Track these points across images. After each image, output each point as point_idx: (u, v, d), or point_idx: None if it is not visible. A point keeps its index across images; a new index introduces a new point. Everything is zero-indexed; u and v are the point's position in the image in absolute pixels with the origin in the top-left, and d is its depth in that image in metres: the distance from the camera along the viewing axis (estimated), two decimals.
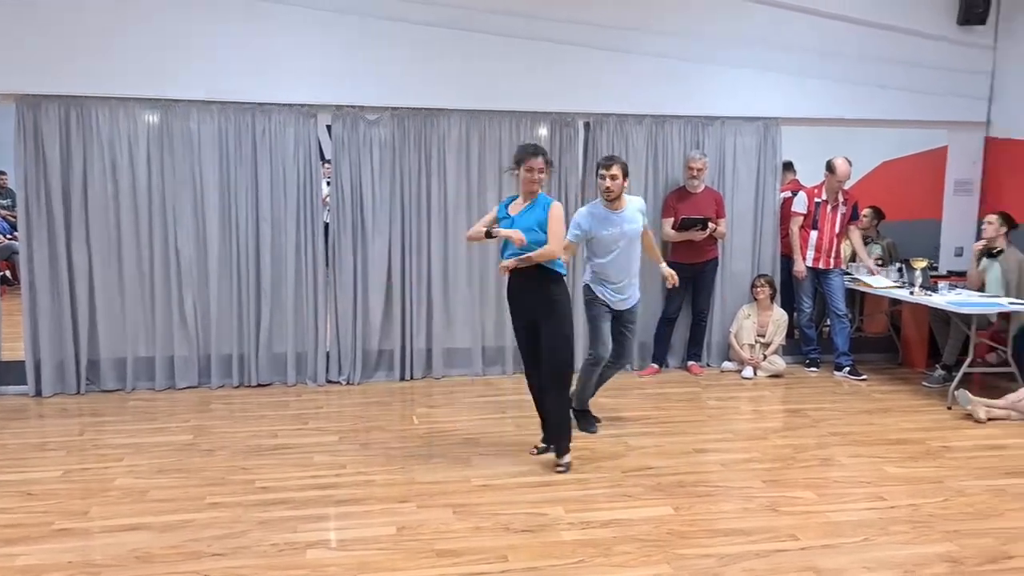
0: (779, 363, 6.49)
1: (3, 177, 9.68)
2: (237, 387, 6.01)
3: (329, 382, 6.17)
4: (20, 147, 5.56)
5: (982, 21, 6.70)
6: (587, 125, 6.43)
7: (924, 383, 6.28)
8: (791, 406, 5.71)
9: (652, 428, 5.12)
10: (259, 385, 6.05)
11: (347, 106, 6.01)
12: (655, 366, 6.54)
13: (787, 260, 6.70)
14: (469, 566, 3.28)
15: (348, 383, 6.16)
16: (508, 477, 4.24)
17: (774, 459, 4.58)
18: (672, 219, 6.37)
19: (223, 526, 3.62)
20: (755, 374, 6.44)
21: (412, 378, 6.29)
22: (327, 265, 6.17)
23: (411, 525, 3.65)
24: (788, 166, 7.09)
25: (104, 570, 3.21)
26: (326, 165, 6.56)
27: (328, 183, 6.35)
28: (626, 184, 4.77)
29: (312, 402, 5.71)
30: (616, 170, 4.67)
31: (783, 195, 6.83)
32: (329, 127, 6.12)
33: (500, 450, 4.66)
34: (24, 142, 5.55)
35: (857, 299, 7.11)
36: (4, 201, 9.65)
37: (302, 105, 5.94)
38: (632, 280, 4.93)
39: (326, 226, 6.18)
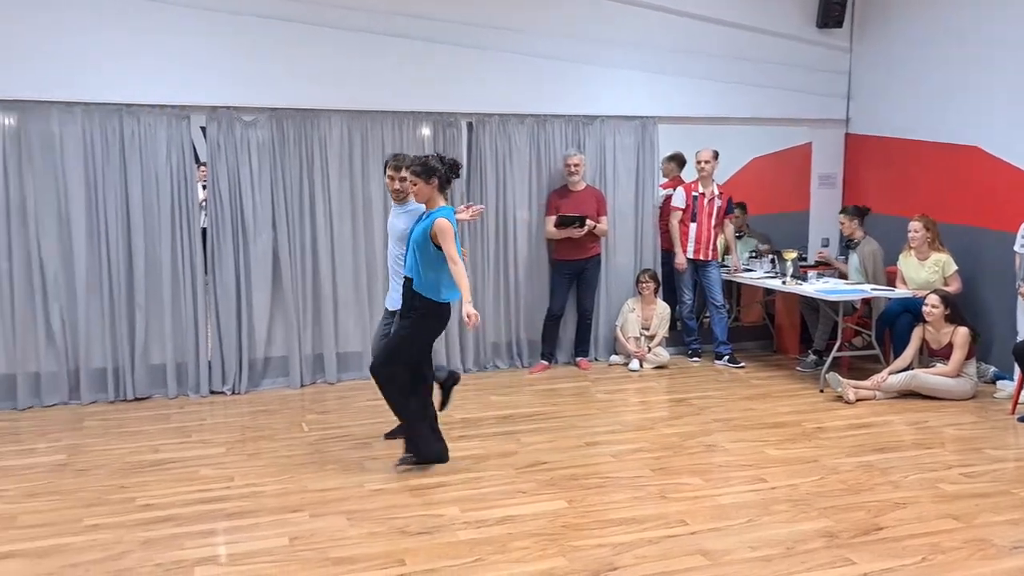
0: (663, 354, 6.70)
1: None
2: (112, 402, 5.71)
3: (213, 392, 5.95)
4: None
5: (839, 24, 7.13)
6: (470, 125, 6.45)
7: (798, 368, 6.64)
8: (676, 395, 5.91)
9: (543, 424, 5.19)
10: (137, 399, 5.77)
11: (222, 107, 5.81)
12: (544, 363, 6.64)
13: (667, 254, 6.94)
14: (366, 572, 3.24)
15: (234, 392, 5.96)
16: (402, 480, 4.21)
17: (662, 448, 4.73)
18: (554, 217, 6.48)
19: (104, 548, 3.44)
20: (641, 366, 6.63)
21: (303, 384, 6.15)
22: (206, 271, 5.94)
23: (304, 535, 3.57)
24: (679, 160, 7.33)
25: None
26: (202, 168, 6.32)
27: (204, 187, 6.12)
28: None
29: (195, 414, 5.50)
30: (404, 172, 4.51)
31: (664, 192, 7.07)
32: (204, 129, 5.89)
33: (394, 454, 4.60)
34: None
35: (734, 290, 7.45)
36: None
37: (173, 106, 5.70)
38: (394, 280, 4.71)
39: (204, 231, 5.95)
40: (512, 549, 3.43)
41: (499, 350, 6.70)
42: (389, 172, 4.64)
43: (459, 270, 4.11)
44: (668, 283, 6.99)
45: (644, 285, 6.74)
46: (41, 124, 5.44)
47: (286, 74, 5.89)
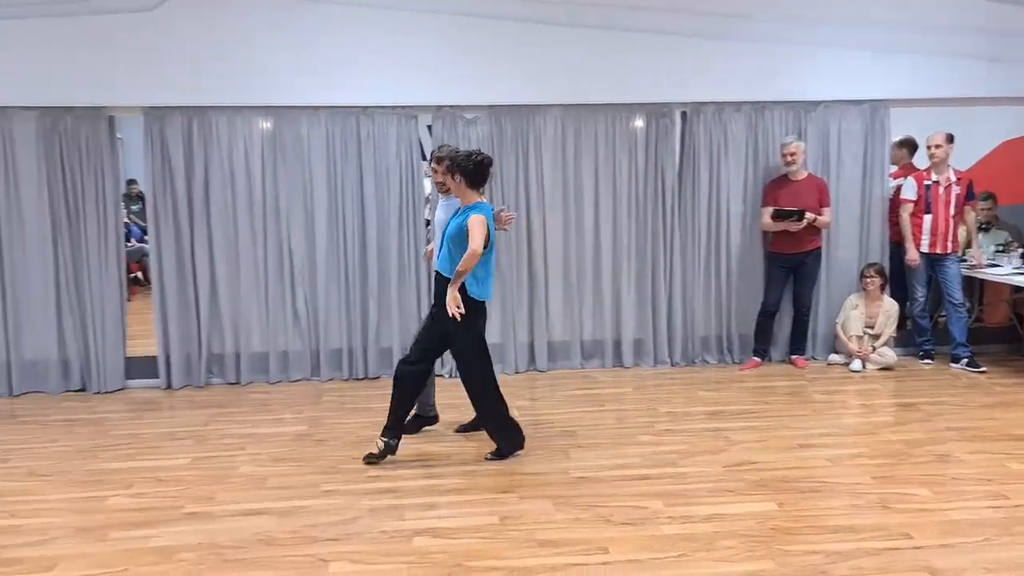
0: (890, 355, 6.25)
1: (135, 185, 10.36)
2: (347, 380, 6.26)
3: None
4: (148, 156, 5.97)
5: None
6: (684, 115, 6.36)
7: None
8: (904, 400, 5.51)
9: (754, 422, 5.04)
10: (367, 378, 6.27)
11: (446, 106, 6.15)
12: (757, 360, 6.43)
13: (897, 247, 6.46)
14: (570, 556, 3.34)
15: (451, 376, 6.30)
16: (607, 470, 4.27)
17: (885, 455, 4.44)
18: (770, 209, 6.24)
19: (336, 512, 3.81)
20: (864, 367, 6.23)
21: (516, 371, 6.39)
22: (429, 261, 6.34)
23: (513, 515, 3.74)
24: (910, 145, 6.79)
25: (229, 552, 3.44)
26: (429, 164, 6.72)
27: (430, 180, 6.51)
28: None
29: None
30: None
31: (894, 183, 6.58)
32: (430, 127, 6.28)
33: (598, 443, 4.70)
34: (151, 151, 5.96)
35: (975, 287, 6.78)
36: (135, 207, 10.32)
37: (403, 107, 6.12)
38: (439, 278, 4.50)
39: (428, 223, 6.35)
40: (718, 548, 3.38)
41: (708, 344, 6.57)
42: (433, 164, 4.67)
43: (473, 258, 4.09)
44: (897, 278, 6.50)
45: (869, 280, 6.31)
46: (293, 128, 6.07)
47: (504, 72, 6.12)
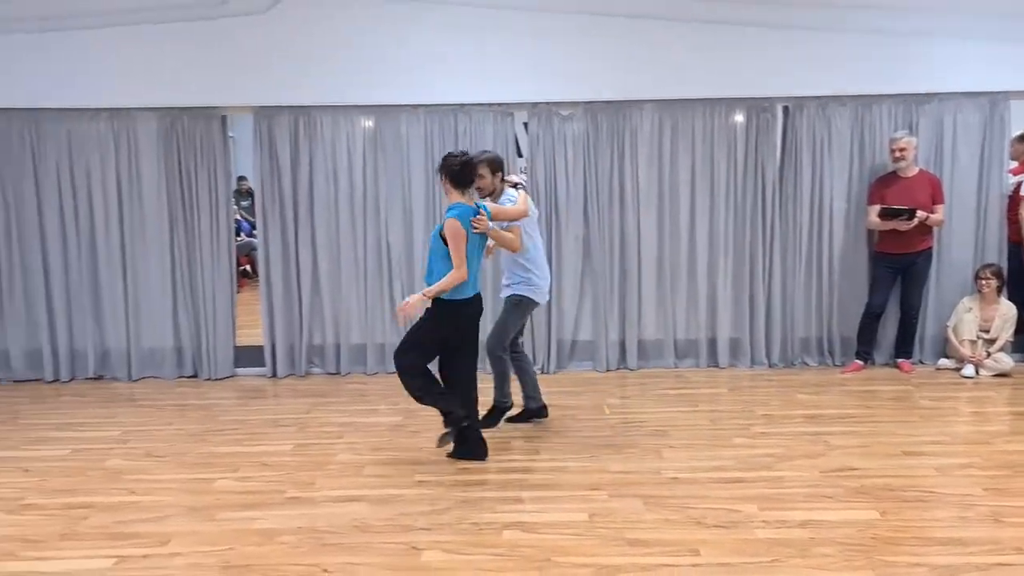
0: (1006, 361, 5.92)
1: (244, 181, 10.84)
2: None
3: None
4: (257, 154, 6.24)
5: None
6: (786, 110, 6.19)
7: None
8: (1021, 408, 5.21)
9: (855, 427, 4.87)
10: None
11: (542, 103, 6.18)
12: (859, 363, 6.19)
13: (1016, 247, 6.10)
14: (660, 557, 3.31)
15: (543, 372, 6.34)
16: (699, 471, 4.22)
17: (999, 466, 4.21)
18: (877, 207, 5.99)
19: (429, 503, 3.89)
20: (977, 373, 5.92)
21: (607, 369, 6.38)
22: None
23: (602, 513, 3.74)
24: None
25: (327, 536, 3.57)
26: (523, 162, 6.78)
27: (524, 176, 6.55)
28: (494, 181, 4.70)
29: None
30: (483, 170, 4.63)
31: (1014, 179, 6.22)
32: (526, 124, 6.32)
33: (691, 443, 4.64)
34: (260, 149, 6.22)
35: None
36: (245, 202, 10.80)
37: (500, 104, 6.18)
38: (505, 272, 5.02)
39: None
40: (813, 555, 3.29)
41: (808, 346, 6.38)
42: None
43: (456, 281, 4.18)
44: (1016, 280, 6.14)
45: (985, 282, 5.99)
46: (392, 126, 6.22)
47: (601, 68, 6.10)
